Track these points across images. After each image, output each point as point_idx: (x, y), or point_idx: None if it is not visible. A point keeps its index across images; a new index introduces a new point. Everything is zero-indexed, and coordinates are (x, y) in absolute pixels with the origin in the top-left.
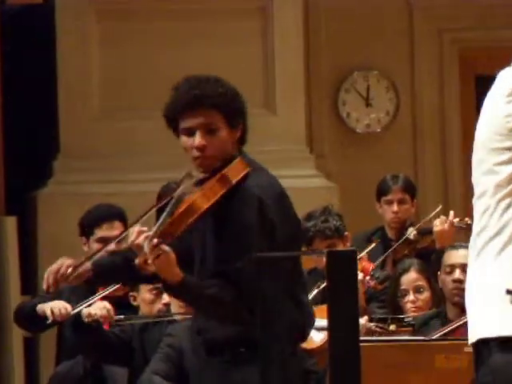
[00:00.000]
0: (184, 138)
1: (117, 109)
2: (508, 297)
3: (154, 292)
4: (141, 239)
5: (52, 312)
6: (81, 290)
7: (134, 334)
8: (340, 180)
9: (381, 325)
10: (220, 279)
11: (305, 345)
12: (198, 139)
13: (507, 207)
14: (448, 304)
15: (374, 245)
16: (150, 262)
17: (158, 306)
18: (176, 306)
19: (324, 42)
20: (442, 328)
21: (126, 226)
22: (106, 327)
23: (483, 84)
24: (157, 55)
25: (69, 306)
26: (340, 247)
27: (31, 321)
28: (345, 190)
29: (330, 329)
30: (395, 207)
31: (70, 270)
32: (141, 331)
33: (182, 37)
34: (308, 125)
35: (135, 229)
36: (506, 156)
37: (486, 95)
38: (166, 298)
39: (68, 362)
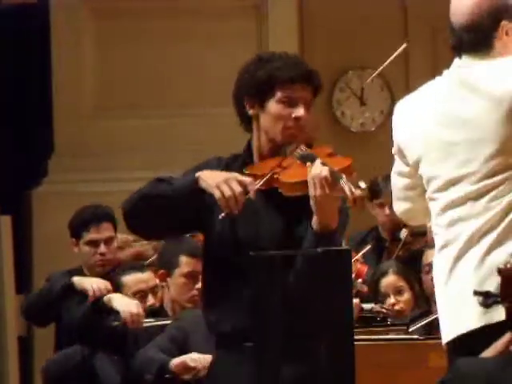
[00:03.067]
0: (280, 106)
1: (111, 108)
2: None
3: (138, 296)
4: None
5: (92, 288)
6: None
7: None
8: None
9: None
10: None
11: None
12: (302, 110)
13: None
14: (432, 302)
15: (369, 247)
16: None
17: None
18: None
19: (318, 41)
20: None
21: (115, 226)
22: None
23: None
24: (150, 54)
25: (109, 284)
26: None
27: (61, 303)
28: None
29: (324, 327)
30: (387, 210)
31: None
32: None
33: (176, 36)
34: None
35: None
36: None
37: None
38: (150, 299)
39: (64, 351)
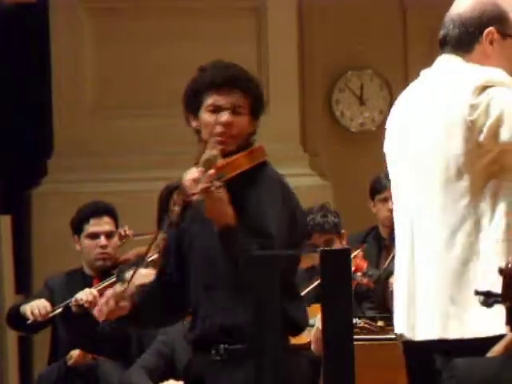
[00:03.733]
0: (207, 114)
1: (111, 107)
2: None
3: None
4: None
5: (32, 312)
6: (73, 289)
7: None
8: (334, 179)
9: (368, 321)
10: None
11: (294, 340)
12: (226, 116)
13: None
14: None
15: (364, 246)
16: (204, 187)
17: None
18: None
19: (317, 41)
20: None
21: (117, 222)
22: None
23: None
24: (149, 53)
25: (48, 306)
26: (337, 244)
27: (16, 322)
28: (338, 189)
29: (324, 327)
30: (390, 205)
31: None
32: None
33: (175, 35)
34: (302, 124)
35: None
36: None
37: None
38: None
39: (50, 367)
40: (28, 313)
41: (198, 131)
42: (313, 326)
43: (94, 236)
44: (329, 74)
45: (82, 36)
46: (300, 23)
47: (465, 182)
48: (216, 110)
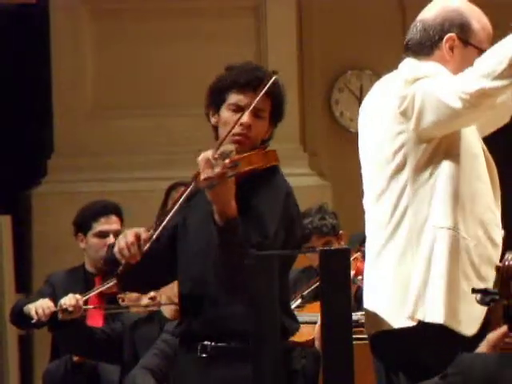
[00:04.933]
0: (228, 113)
1: (111, 108)
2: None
3: None
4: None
5: (36, 312)
6: (75, 286)
7: (124, 332)
8: (333, 179)
9: None
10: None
11: (295, 338)
12: (247, 117)
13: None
14: None
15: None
16: (220, 171)
17: (145, 300)
18: (164, 299)
19: (317, 41)
20: None
21: (122, 222)
22: (99, 322)
23: None
24: (150, 54)
25: (52, 305)
26: (335, 245)
27: (21, 320)
28: (338, 189)
29: (323, 326)
30: None
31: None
32: (131, 329)
33: (175, 36)
34: (301, 124)
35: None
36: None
37: None
38: (150, 293)
39: (56, 361)
40: (32, 312)
41: (215, 128)
42: (315, 322)
43: (103, 235)
44: (328, 74)
45: (82, 36)
46: (299, 23)
47: (405, 175)
48: (238, 109)
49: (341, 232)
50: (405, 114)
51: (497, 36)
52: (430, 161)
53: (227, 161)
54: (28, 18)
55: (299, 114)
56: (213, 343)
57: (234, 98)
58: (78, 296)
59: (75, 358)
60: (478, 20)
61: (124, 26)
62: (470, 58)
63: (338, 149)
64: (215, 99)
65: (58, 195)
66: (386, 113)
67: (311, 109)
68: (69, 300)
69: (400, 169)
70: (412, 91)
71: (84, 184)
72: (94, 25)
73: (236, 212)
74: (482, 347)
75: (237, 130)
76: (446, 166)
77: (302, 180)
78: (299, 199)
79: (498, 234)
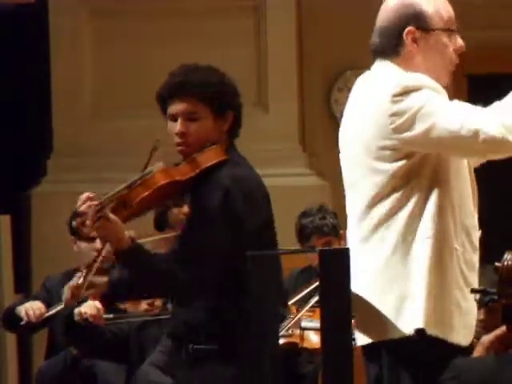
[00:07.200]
0: (169, 124)
1: (110, 108)
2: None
3: None
4: (86, 205)
5: (26, 313)
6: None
7: (131, 332)
8: (332, 178)
9: None
10: (176, 260)
11: (306, 344)
12: (178, 126)
13: None
14: None
15: None
16: (88, 223)
17: (143, 306)
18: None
19: (316, 40)
20: None
21: None
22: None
23: (474, 83)
24: (149, 54)
25: (43, 307)
26: (336, 245)
27: (11, 322)
28: (337, 189)
29: (323, 327)
30: None
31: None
32: (138, 329)
33: (175, 36)
34: (301, 123)
35: (84, 195)
36: (385, 154)
37: (477, 94)
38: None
39: (51, 359)
40: (22, 314)
41: None
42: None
43: (91, 239)
44: (328, 74)
45: (81, 36)
46: (299, 23)
47: (393, 184)
48: (173, 118)
49: (341, 232)
50: (398, 130)
51: (497, 36)
52: (420, 168)
53: (98, 205)
54: (27, 17)
55: (298, 114)
56: (193, 345)
57: (169, 108)
58: (97, 304)
59: (74, 352)
60: (429, 3)
61: (123, 25)
62: (437, 43)
63: (338, 148)
64: (164, 111)
65: (58, 195)
66: (371, 124)
67: (311, 109)
68: (89, 309)
69: (389, 178)
70: (408, 108)
71: (84, 184)
72: (93, 25)
73: (127, 243)
74: (477, 350)
75: (176, 139)
76: (435, 173)
77: (301, 180)
78: (298, 199)
79: (477, 237)
